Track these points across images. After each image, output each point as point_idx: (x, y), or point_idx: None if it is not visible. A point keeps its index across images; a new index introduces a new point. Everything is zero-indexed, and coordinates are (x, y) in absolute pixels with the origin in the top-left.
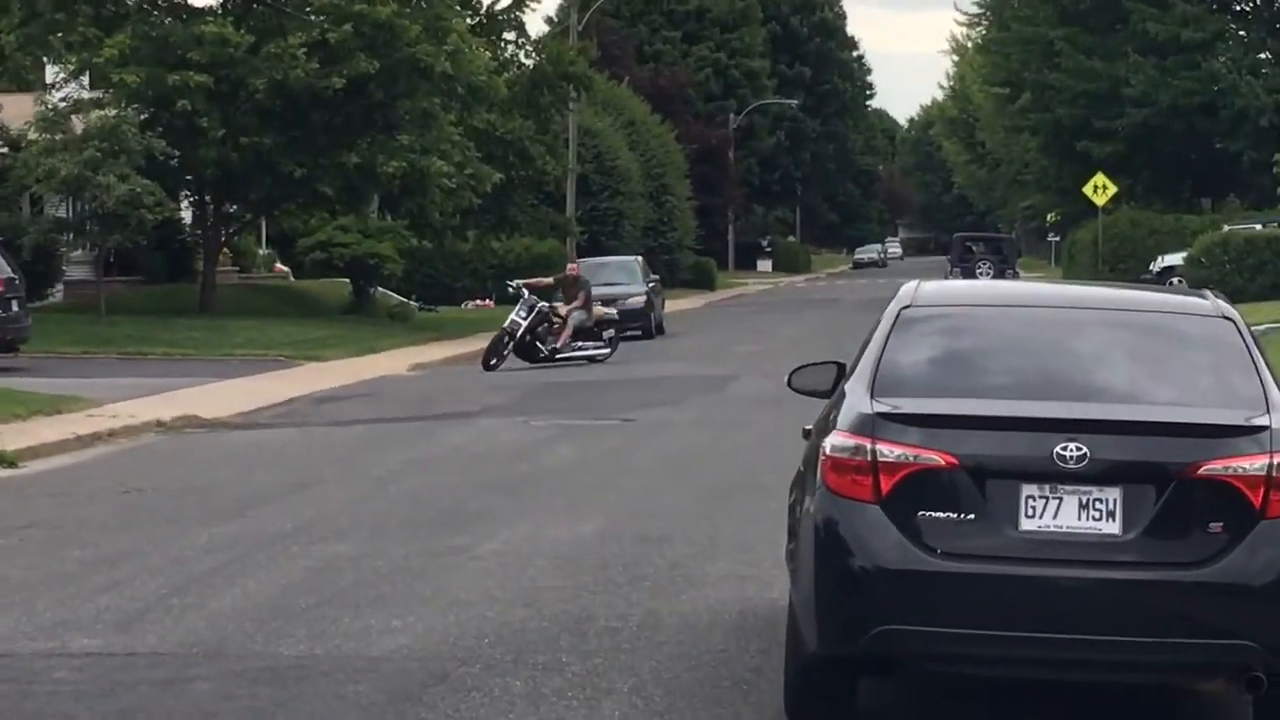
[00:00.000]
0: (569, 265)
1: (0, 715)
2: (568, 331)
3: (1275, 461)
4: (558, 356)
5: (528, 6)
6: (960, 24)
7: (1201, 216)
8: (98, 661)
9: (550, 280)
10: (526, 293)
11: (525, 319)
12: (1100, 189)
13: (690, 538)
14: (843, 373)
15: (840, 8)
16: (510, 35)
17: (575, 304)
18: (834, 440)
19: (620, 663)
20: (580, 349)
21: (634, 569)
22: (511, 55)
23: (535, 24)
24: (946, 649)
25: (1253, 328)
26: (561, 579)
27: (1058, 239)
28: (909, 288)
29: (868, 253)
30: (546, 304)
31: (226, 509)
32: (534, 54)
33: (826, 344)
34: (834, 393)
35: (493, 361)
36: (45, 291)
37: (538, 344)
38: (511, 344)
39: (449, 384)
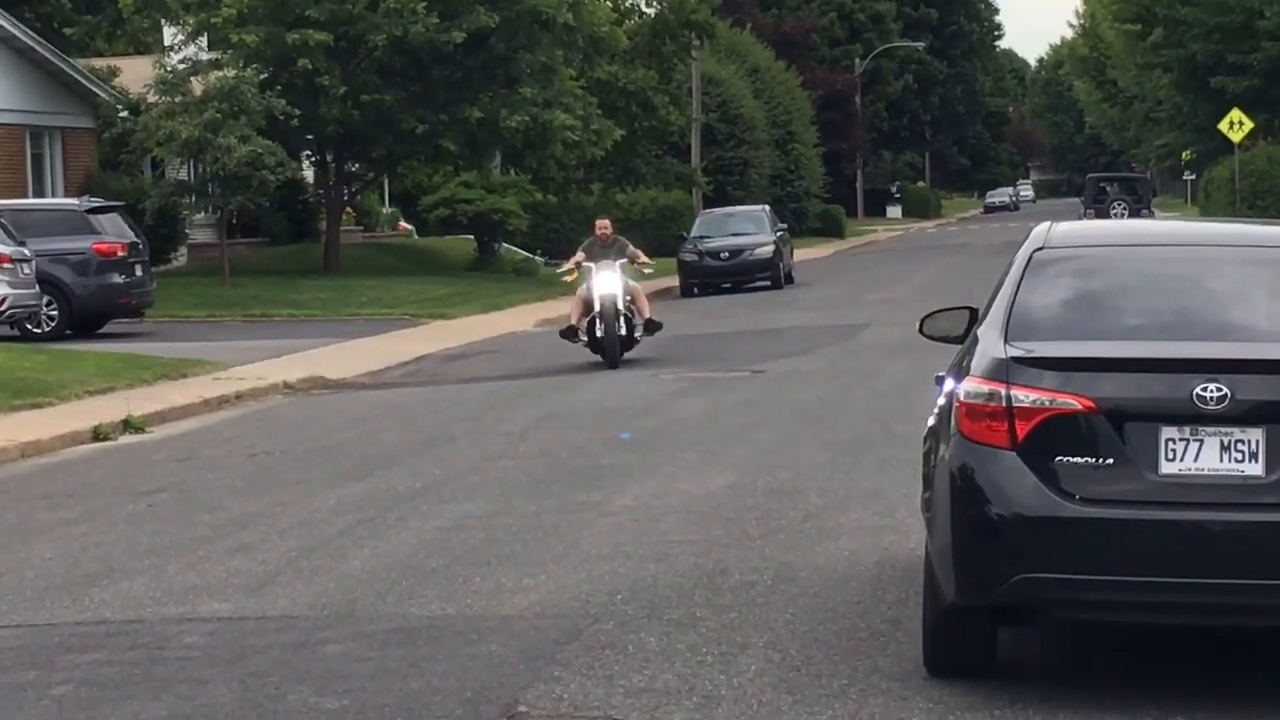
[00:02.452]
0: (598, 223)
1: (132, 681)
2: (647, 306)
3: None
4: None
5: None
6: None
7: None
8: (228, 625)
9: (580, 256)
10: (593, 266)
11: (624, 299)
12: (1236, 125)
13: (823, 489)
14: (975, 318)
15: None
16: None
17: (634, 262)
18: (968, 386)
19: (755, 617)
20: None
21: (767, 521)
22: (633, 4)
23: None
24: (1086, 596)
25: None
26: (694, 533)
27: (1193, 177)
28: (1041, 230)
29: (999, 196)
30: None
31: (355, 469)
32: (655, 3)
33: (958, 290)
34: (966, 338)
35: (618, 358)
36: (169, 255)
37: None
38: (619, 338)
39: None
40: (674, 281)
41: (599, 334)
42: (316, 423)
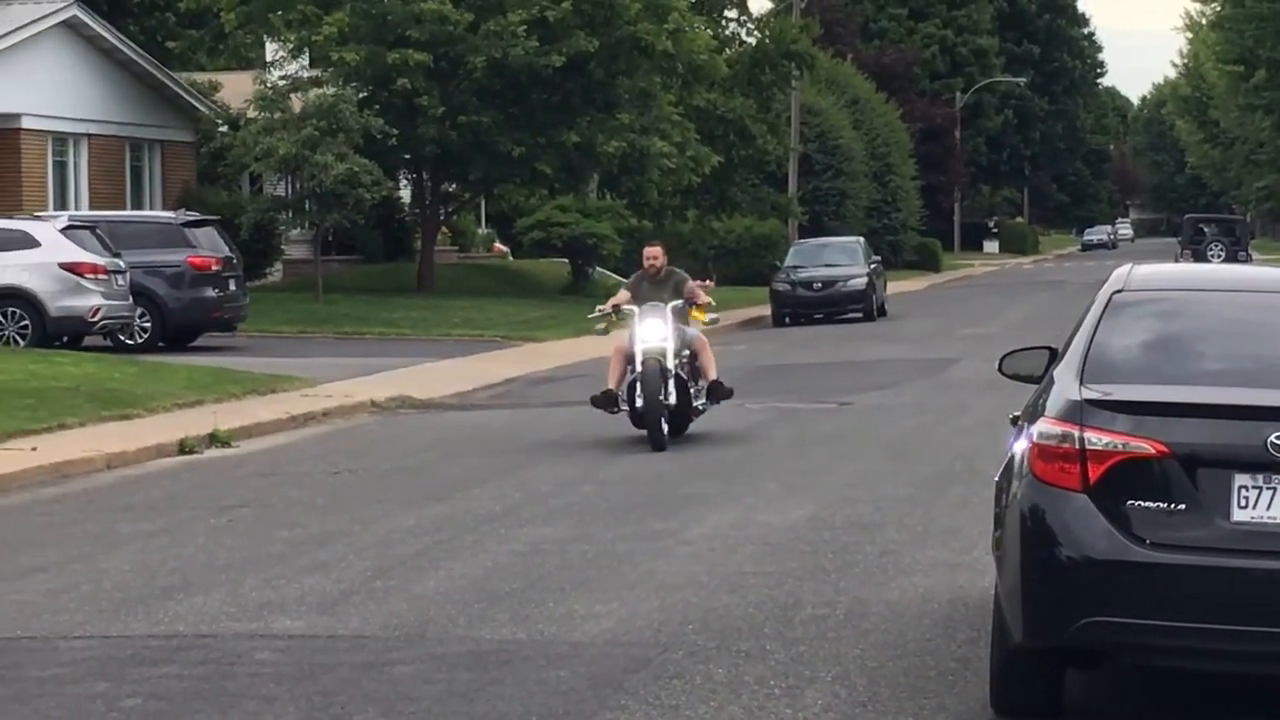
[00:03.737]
0: (647, 252)
1: (201, 696)
2: (713, 362)
3: None
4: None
5: None
6: (1194, 0)
7: None
8: (300, 643)
9: (623, 296)
10: (636, 308)
11: (676, 354)
12: None
13: (902, 524)
14: (1054, 358)
15: None
16: (732, 13)
17: (692, 304)
18: (1042, 427)
19: (825, 651)
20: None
21: (843, 555)
22: (733, 33)
23: (757, 1)
24: (1155, 642)
25: None
26: (770, 565)
27: None
28: (1121, 272)
29: (1097, 234)
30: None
31: (435, 490)
32: (756, 32)
33: (1051, 327)
34: (1044, 378)
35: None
36: (264, 270)
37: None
38: (667, 410)
39: None
40: (766, 311)
41: (639, 403)
42: (401, 442)
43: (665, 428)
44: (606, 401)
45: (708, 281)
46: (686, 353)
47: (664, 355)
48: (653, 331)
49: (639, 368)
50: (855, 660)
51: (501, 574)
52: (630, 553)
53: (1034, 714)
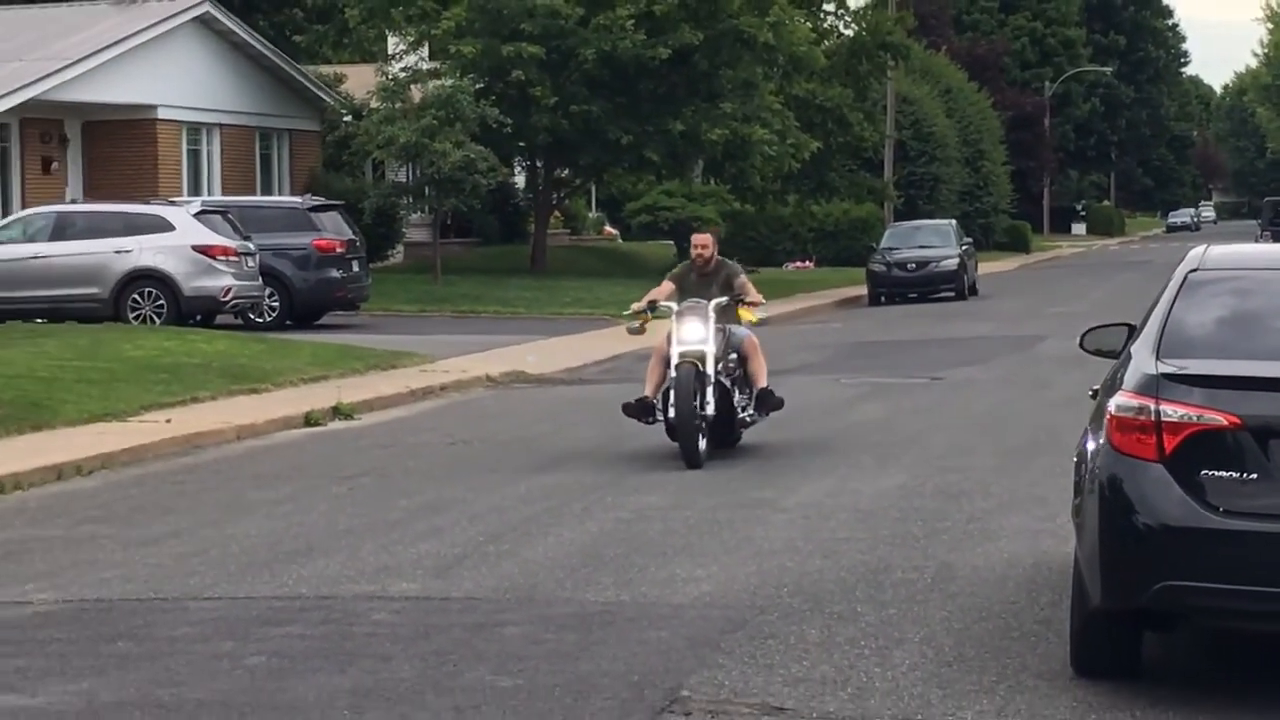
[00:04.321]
0: (695, 240)
1: (321, 654)
2: (763, 368)
3: None
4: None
5: None
6: None
7: None
8: (415, 605)
9: (666, 289)
10: (675, 305)
11: (717, 358)
12: None
13: (989, 492)
14: (1132, 334)
15: None
16: (830, 6)
17: (740, 301)
18: (1119, 400)
19: (913, 613)
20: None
21: (932, 522)
22: (831, 26)
23: None
24: (1228, 605)
25: None
26: (861, 531)
27: None
28: (1196, 252)
29: (1181, 216)
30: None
31: (546, 460)
32: (853, 24)
33: (1136, 305)
34: (1123, 352)
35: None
36: (386, 252)
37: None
38: (705, 420)
39: (766, 342)
40: (862, 290)
41: (671, 414)
42: (514, 415)
43: (703, 442)
44: (641, 411)
45: (808, 262)
46: (734, 357)
47: (703, 359)
48: (692, 332)
49: (673, 373)
50: (942, 622)
51: (607, 539)
52: (729, 520)
53: (1112, 673)
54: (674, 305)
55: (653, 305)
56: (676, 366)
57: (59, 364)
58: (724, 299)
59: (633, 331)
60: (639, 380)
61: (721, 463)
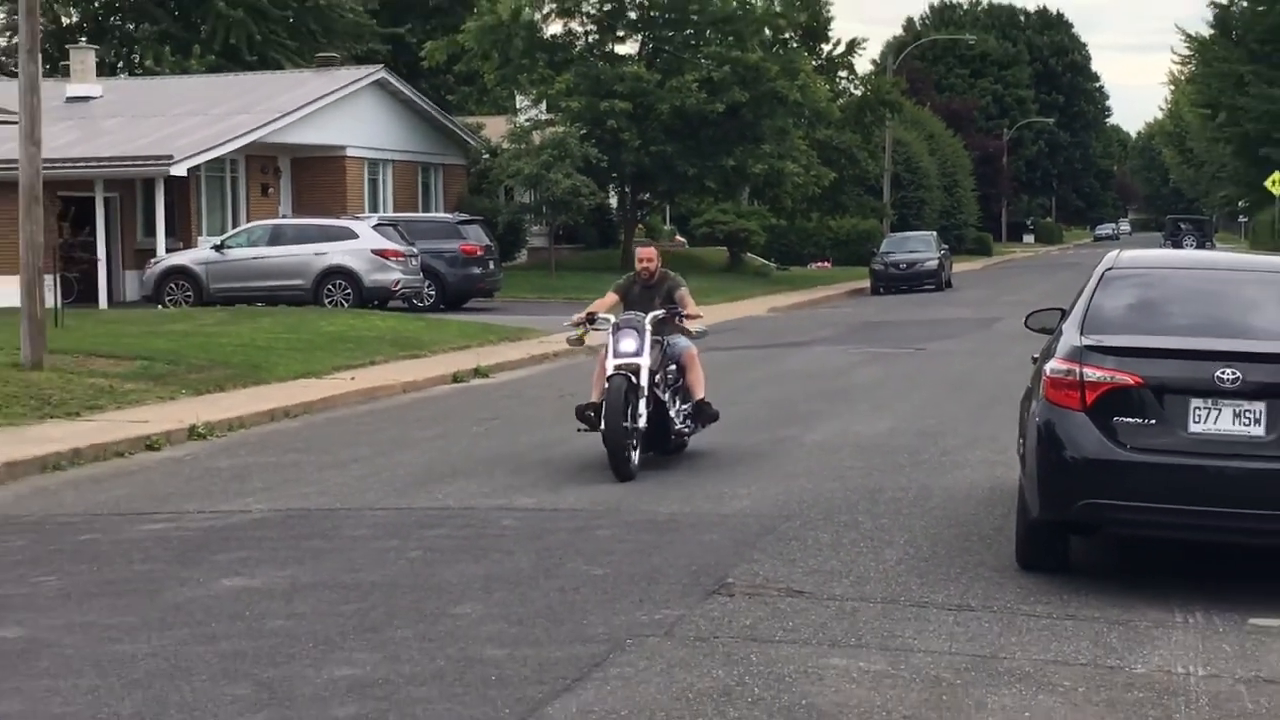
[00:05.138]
0: (640, 252)
1: (462, 550)
2: (701, 380)
3: None
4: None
5: (857, 53)
6: (1175, 63)
7: None
8: (533, 514)
9: (614, 297)
10: (613, 319)
11: (653, 370)
12: (1276, 183)
13: (958, 433)
14: (1064, 316)
15: (1086, 52)
16: (844, 73)
17: (682, 315)
18: (1053, 365)
19: (899, 522)
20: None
21: (914, 455)
22: (844, 88)
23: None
24: (1133, 518)
25: None
26: (861, 461)
27: (1246, 220)
28: (1112, 255)
29: (1105, 229)
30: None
31: None
32: (860, 87)
33: (1070, 295)
34: (1056, 330)
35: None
36: (514, 255)
37: (669, 410)
38: (637, 432)
39: (794, 322)
40: (866, 284)
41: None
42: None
43: (635, 453)
44: (587, 416)
45: (826, 263)
46: (673, 368)
47: (636, 372)
48: (626, 345)
49: (606, 385)
50: (921, 529)
51: (674, 467)
52: (766, 452)
53: (1047, 568)
54: (611, 318)
55: (591, 317)
56: (609, 379)
57: (273, 336)
58: (660, 312)
59: (572, 342)
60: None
61: (757, 408)
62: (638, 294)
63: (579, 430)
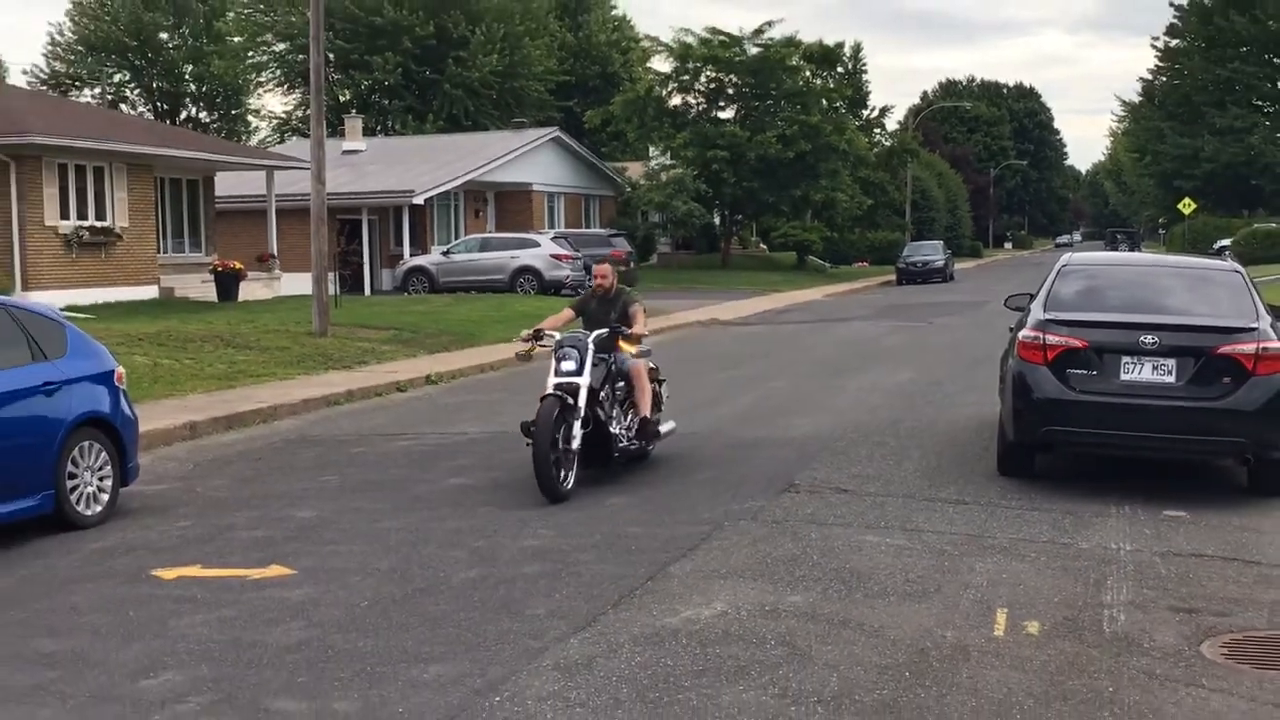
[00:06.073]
0: (597, 269)
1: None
2: (647, 397)
3: (1259, 346)
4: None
5: (887, 115)
6: (1114, 121)
7: (1243, 220)
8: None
9: (569, 313)
10: (556, 335)
11: (597, 388)
12: (1186, 206)
13: (956, 382)
14: (1031, 298)
15: (1050, 114)
16: (878, 130)
17: (637, 331)
18: (1024, 333)
19: (916, 442)
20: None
21: (926, 397)
22: (878, 139)
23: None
24: (1081, 440)
25: (1258, 279)
26: (888, 401)
27: (1164, 231)
28: (1066, 255)
29: (1063, 239)
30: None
31: (727, 364)
32: (889, 139)
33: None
34: (1026, 308)
35: (556, 488)
36: (648, 258)
37: (610, 427)
38: (570, 454)
39: (840, 304)
40: (892, 277)
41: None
42: (713, 342)
43: (567, 474)
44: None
45: (864, 263)
46: (621, 384)
47: (575, 392)
48: (567, 364)
49: (539, 406)
50: (931, 448)
51: (756, 405)
52: (819, 394)
53: (1019, 474)
54: (557, 335)
55: (538, 334)
56: (542, 399)
57: (482, 314)
58: (604, 330)
59: (520, 358)
60: (775, 323)
61: (813, 364)
62: (594, 308)
63: (526, 444)
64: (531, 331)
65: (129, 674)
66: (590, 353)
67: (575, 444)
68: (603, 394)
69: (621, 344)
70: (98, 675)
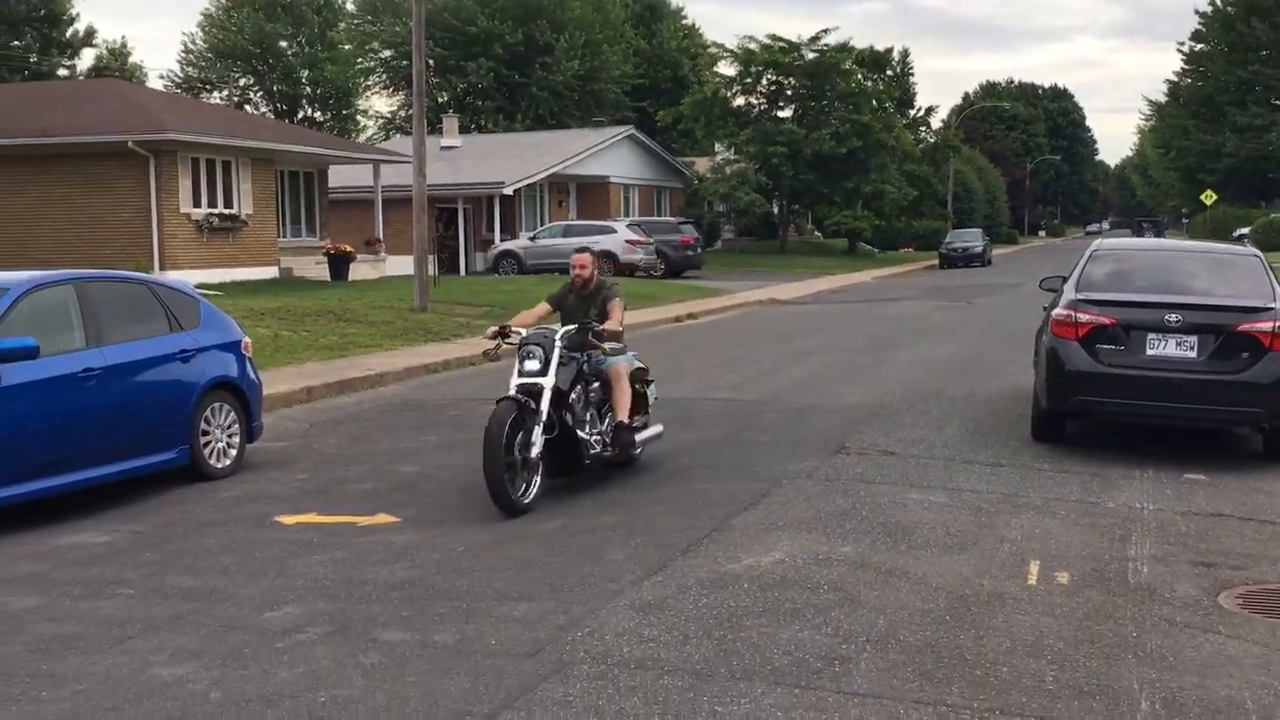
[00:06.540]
0: (575, 258)
1: (679, 423)
2: (625, 401)
3: (1276, 324)
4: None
5: (932, 115)
6: (1141, 119)
7: (1260, 210)
8: (724, 403)
9: (546, 307)
10: (523, 331)
11: (565, 390)
12: (1208, 197)
13: (995, 355)
14: (1064, 280)
15: (1083, 113)
16: (923, 128)
17: (610, 328)
18: (1058, 311)
19: (955, 410)
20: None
21: (968, 369)
22: (922, 137)
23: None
24: (1109, 409)
25: (1274, 264)
26: (932, 373)
27: (1187, 220)
28: (1097, 241)
29: (1093, 227)
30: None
31: (784, 336)
32: (933, 136)
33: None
34: (1059, 289)
35: (510, 499)
36: (713, 244)
37: (579, 432)
38: (528, 463)
39: (888, 286)
40: (935, 262)
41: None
42: (770, 318)
43: (527, 485)
44: None
45: (911, 248)
46: (596, 385)
47: (537, 394)
48: (529, 364)
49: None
50: (970, 415)
51: (812, 374)
52: (870, 366)
53: (1051, 440)
54: (523, 331)
55: (504, 333)
56: (498, 402)
57: None
58: (573, 326)
59: (487, 356)
60: (829, 302)
61: (864, 339)
62: (573, 303)
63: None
64: (497, 328)
65: (255, 607)
66: (557, 351)
67: (534, 452)
68: (572, 396)
69: (595, 340)
70: (228, 608)
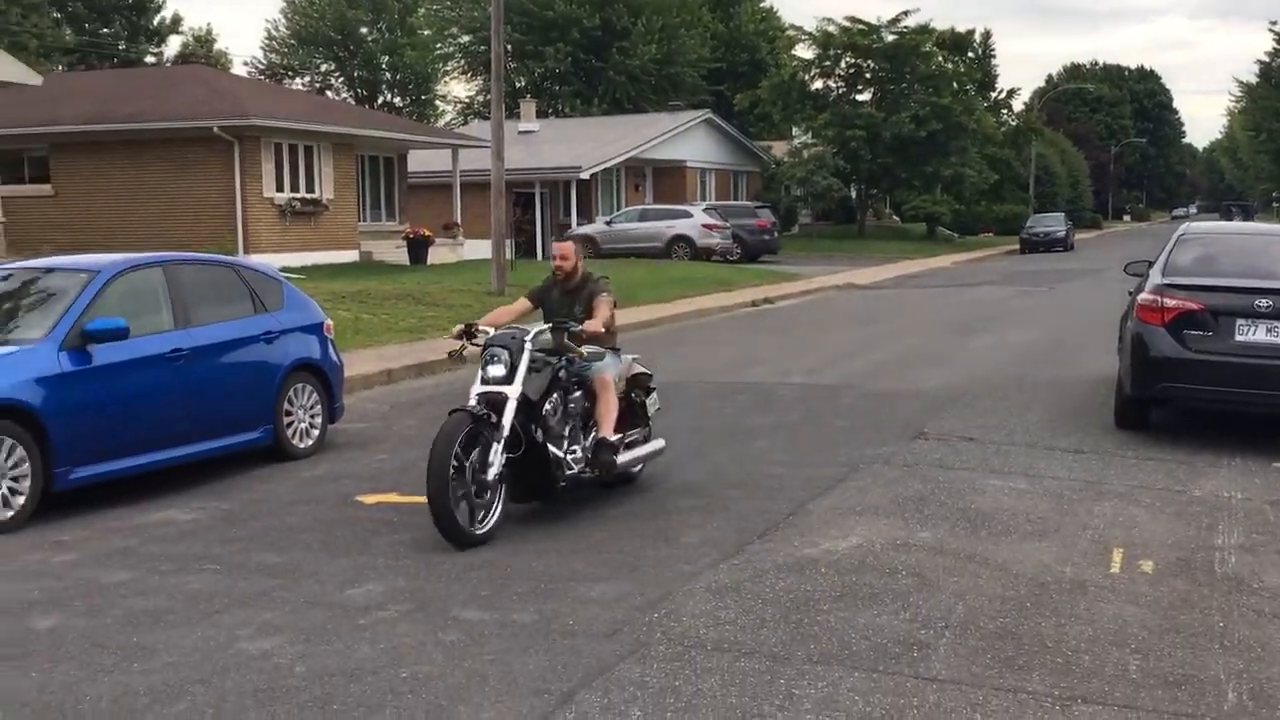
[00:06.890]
0: (555, 247)
1: (756, 408)
2: (610, 414)
3: None
4: (582, 476)
5: (1013, 97)
6: (1231, 101)
7: None
8: (800, 387)
9: (526, 303)
10: (491, 331)
11: (535, 401)
12: None
13: (1076, 340)
14: (1150, 265)
15: (1169, 94)
16: (1005, 110)
17: (591, 328)
18: (1143, 296)
19: (1037, 398)
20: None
21: (1049, 355)
22: (1004, 119)
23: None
24: (1195, 396)
25: None
26: (1013, 359)
27: (1278, 205)
28: (1185, 225)
29: (1179, 211)
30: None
31: (859, 321)
32: (1015, 119)
33: (1154, 253)
34: (1145, 274)
35: (458, 529)
36: (790, 228)
37: (551, 449)
38: (486, 484)
39: (968, 271)
40: (1016, 247)
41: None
42: (847, 302)
43: (488, 513)
44: None
45: (990, 233)
46: (577, 394)
47: (500, 405)
48: (493, 369)
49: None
50: (1051, 400)
51: (887, 360)
52: (948, 351)
53: (1135, 427)
54: (490, 331)
55: (469, 331)
56: (450, 413)
57: (640, 277)
58: (545, 326)
59: (453, 358)
60: (907, 288)
61: (944, 324)
62: (556, 298)
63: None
64: (463, 327)
65: (337, 584)
66: (526, 354)
67: (492, 473)
68: (547, 407)
69: (573, 342)
70: (311, 585)
